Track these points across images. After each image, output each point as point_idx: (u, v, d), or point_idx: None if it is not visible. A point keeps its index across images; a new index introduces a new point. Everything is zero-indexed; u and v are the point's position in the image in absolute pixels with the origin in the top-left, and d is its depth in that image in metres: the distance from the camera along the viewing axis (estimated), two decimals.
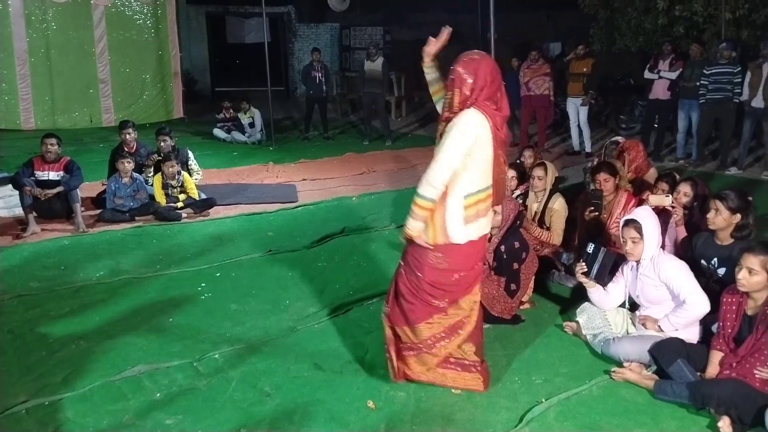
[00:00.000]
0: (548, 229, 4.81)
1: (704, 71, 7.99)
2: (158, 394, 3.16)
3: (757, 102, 7.61)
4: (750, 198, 3.67)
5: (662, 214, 4.12)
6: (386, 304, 3.17)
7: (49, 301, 4.32)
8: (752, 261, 2.97)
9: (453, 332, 3.08)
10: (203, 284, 4.62)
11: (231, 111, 11.14)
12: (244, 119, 10.97)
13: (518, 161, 5.73)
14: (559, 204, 4.85)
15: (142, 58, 12.65)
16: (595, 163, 5.72)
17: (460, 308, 3.05)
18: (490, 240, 4.18)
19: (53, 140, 6.14)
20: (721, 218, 3.58)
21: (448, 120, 2.87)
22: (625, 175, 5.02)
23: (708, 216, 3.64)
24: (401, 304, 3.08)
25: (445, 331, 3.07)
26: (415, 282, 3.01)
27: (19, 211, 6.10)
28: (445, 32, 2.96)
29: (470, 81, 2.77)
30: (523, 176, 5.30)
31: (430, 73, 3.09)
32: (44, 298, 4.37)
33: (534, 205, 5.01)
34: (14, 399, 3.11)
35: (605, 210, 4.59)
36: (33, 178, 6.00)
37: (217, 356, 3.54)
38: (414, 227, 2.88)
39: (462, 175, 2.80)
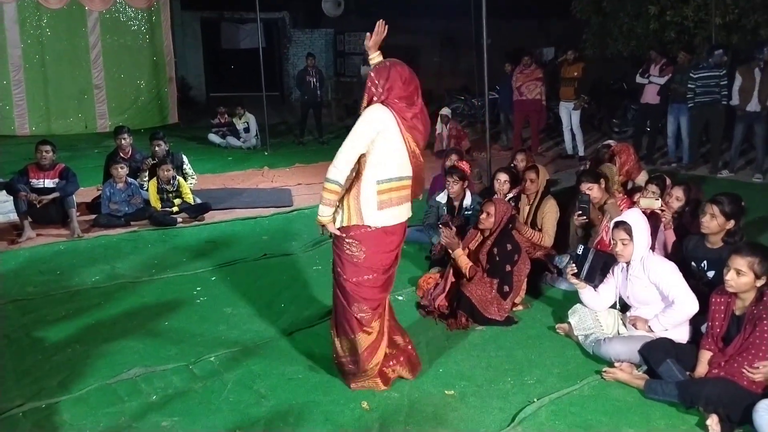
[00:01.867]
0: (540, 231, 4.87)
1: (691, 75, 8.07)
2: (154, 397, 3.19)
3: (753, 106, 7.68)
4: (743, 204, 3.72)
5: (652, 217, 4.17)
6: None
7: (45, 305, 4.34)
8: (739, 262, 3.02)
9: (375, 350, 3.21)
10: (198, 288, 4.64)
11: (226, 116, 11.17)
12: (239, 124, 11.00)
13: (511, 165, 5.78)
14: (550, 206, 4.90)
15: (136, 63, 12.68)
16: (587, 166, 5.78)
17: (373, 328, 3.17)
18: (483, 243, 4.23)
19: (48, 147, 6.15)
20: (715, 223, 3.63)
21: None
22: (617, 179, 5.08)
23: (702, 220, 3.69)
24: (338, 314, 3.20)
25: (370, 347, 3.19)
26: (342, 285, 3.12)
27: (14, 217, 6.11)
28: (381, 26, 3.12)
29: (379, 82, 2.99)
30: (516, 180, 5.36)
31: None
32: (40, 302, 4.39)
33: (526, 208, 5.06)
34: (11, 402, 3.13)
35: (604, 211, 4.58)
36: (28, 186, 6.02)
37: (212, 359, 3.57)
38: (324, 213, 3.01)
39: (371, 161, 2.98)
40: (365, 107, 3.02)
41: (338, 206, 3.05)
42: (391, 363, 3.28)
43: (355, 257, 3.06)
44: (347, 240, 3.06)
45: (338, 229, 3.06)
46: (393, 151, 3.00)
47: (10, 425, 2.96)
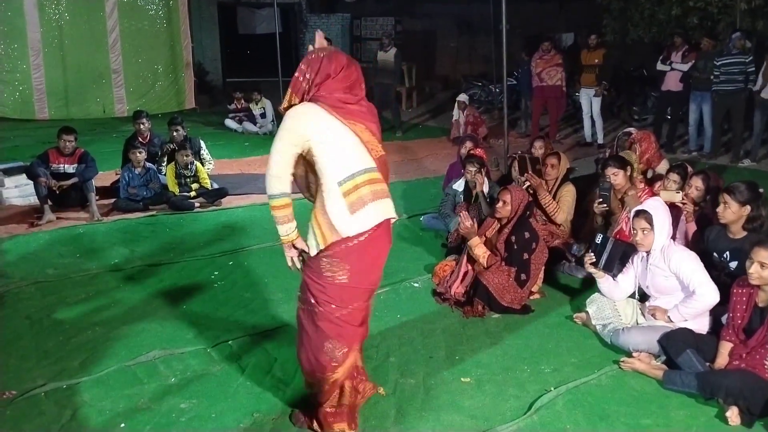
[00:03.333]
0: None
1: (715, 62, 7.92)
2: (173, 379, 3.22)
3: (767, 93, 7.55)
4: (761, 189, 3.66)
5: (673, 208, 4.12)
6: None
7: (65, 287, 4.40)
8: (764, 255, 2.97)
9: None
10: (216, 272, 4.67)
11: (242, 102, 11.19)
12: (256, 110, 11.01)
13: (529, 152, 5.72)
14: (568, 189, 4.89)
15: (154, 48, 12.71)
16: (607, 154, 5.71)
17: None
18: (500, 230, 4.21)
19: (71, 136, 6.20)
20: (730, 211, 3.58)
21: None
22: (637, 167, 5.01)
23: (718, 210, 3.64)
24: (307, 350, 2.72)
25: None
26: (318, 316, 2.65)
27: (34, 200, 6.19)
28: (319, 37, 2.79)
29: (308, 75, 2.60)
30: (524, 167, 5.28)
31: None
32: (60, 284, 4.45)
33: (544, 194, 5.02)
34: (33, 382, 3.18)
35: (625, 200, 4.53)
36: (48, 171, 6.08)
37: (230, 343, 3.60)
38: (285, 231, 2.65)
39: (321, 164, 2.56)
40: (287, 107, 2.63)
41: (309, 230, 2.64)
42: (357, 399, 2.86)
43: (338, 279, 2.60)
44: (324, 259, 2.59)
45: (314, 257, 2.63)
46: (342, 145, 2.57)
47: (33, 404, 3.02)
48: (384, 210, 2.65)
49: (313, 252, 2.63)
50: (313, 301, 2.64)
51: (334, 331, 2.64)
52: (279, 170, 2.58)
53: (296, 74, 2.63)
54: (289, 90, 2.63)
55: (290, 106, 2.63)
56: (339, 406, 2.77)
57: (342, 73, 2.61)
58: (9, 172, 6.60)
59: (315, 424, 2.79)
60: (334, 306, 2.62)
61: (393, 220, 2.74)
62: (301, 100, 2.62)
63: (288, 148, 2.57)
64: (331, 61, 2.61)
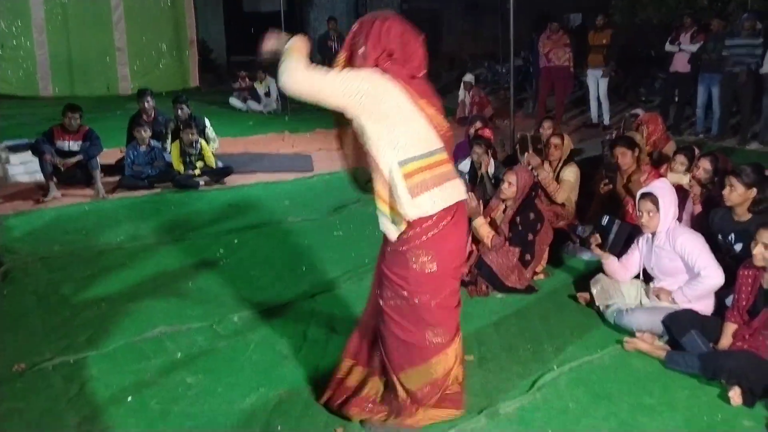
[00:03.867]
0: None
1: (726, 43, 7.83)
2: (179, 354, 3.25)
3: None
4: (767, 172, 3.64)
5: (680, 190, 4.11)
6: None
7: (71, 264, 4.42)
8: None
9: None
10: (221, 250, 4.69)
11: (247, 80, 11.14)
12: (260, 89, 10.97)
13: (538, 132, 5.71)
14: (570, 171, 4.88)
15: (158, 26, 12.64)
16: (613, 135, 5.69)
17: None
18: (505, 211, 4.21)
19: (77, 114, 6.20)
20: (736, 194, 3.56)
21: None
22: (644, 148, 4.99)
23: (724, 192, 3.62)
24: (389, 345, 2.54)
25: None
26: (404, 306, 2.48)
27: (39, 177, 6.20)
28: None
29: (359, 40, 2.38)
30: (525, 147, 5.27)
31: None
32: (67, 261, 4.47)
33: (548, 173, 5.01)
34: (41, 356, 3.22)
35: (631, 182, 4.53)
36: (53, 148, 6.08)
37: (236, 319, 3.62)
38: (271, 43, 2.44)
39: (384, 142, 2.34)
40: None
41: (380, 215, 2.46)
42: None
43: (427, 269, 2.43)
44: (408, 252, 2.42)
45: (394, 245, 2.45)
46: (406, 122, 2.35)
47: (42, 377, 3.05)
48: (452, 193, 2.46)
49: (393, 236, 2.44)
50: (405, 294, 2.45)
51: (434, 319, 2.49)
52: (311, 80, 2.28)
53: (346, 40, 2.43)
54: (342, 54, 2.42)
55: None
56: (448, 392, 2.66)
57: (402, 41, 2.37)
58: (14, 149, 6.61)
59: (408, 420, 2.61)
60: (428, 296, 2.46)
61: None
62: (354, 65, 2.38)
63: (352, 84, 2.28)
64: (387, 25, 2.36)
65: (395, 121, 2.34)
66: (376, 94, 2.31)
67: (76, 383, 3.01)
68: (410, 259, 2.43)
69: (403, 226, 2.41)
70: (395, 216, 2.42)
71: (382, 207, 2.43)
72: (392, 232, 2.44)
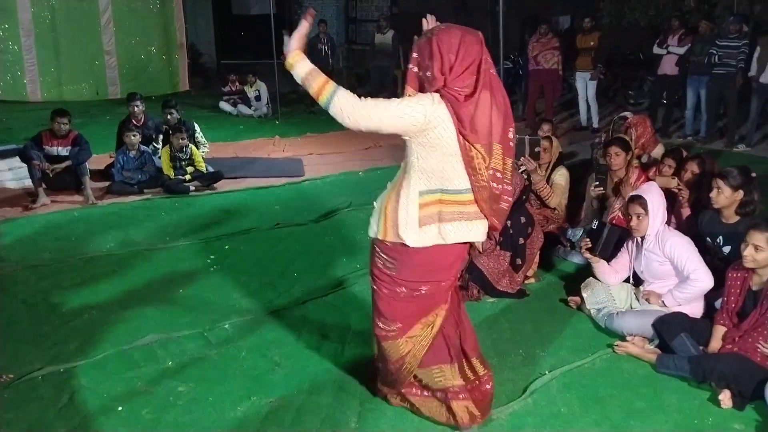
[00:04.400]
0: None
1: (717, 42, 7.89)
2: (170, 363, 3.24)
3: (765, 78, 7.55)
4: (753, 174, 3.68)
5: (669, 193, 4.13)
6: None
7: (61, 271, 4.39)
8: (758, 238, 2.99)
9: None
10: (212, 256, 4.67)
11: (237, 84, 11.10)
12: (250, 92, 10.93)
13: (535, 134, 5.72)
14: (561, 174, 4.90)
15: (147, 29, 12.56)
16: (602, 138, 5.71)
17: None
18: None
19: (65, 119, 6.15)
20: (723, 196, 3.59)
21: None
22: (634, 151, 5.02)
23: (711, 195, 3.65)
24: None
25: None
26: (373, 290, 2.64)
27: (28, 183, 6.15)
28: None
29: (423, 63, 2.34)
30: (522, 149, 5.28)
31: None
32: (56, 268, 4.44)
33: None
34: (30, 366, 3.19)
35: (621, 186, 4.57)
36: (42, 153, 6.03)
37: (227, 326, 3.61)
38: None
39: (417, 165, 2.38)
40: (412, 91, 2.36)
41: (376, 210, 2.55)
42: (461, 396, 2.69)
43: (394, 274, 2.54)
44: (383, 255, 2.53)
45: (373, 240, 2.57)
46: (445, 156, 2.34)
47: (31, 388, 3.03)
48: (461, 232, 2.42)
49: (371, 233, 2.54)
50: (376, 273, 2.59)
51: (384, 309, 2.61)
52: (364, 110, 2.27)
53: (410, 65, 2.38)
54: (407, 87, 2.38)
55: None
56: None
57: (456, 55, 2.28)
58: (2, 155, 6.54)
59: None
60: (386, 288, 2.57)
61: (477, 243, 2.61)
62: (424, 90, 2.35)
63: (406, 116, 2.27)
64: (440, 40, 2.28)
65: (434, 152, 2.34)
66: (427, 128, 2.31)
67: (65, 393, 2.98)
68: (380, 262, 2.55)
69: (380, 237, 2.48)
70: (383, 226, 2.47)
71: (382, 213, 2.48)
72: (371, 231, 2.54)
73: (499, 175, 2.41)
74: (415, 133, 2.34)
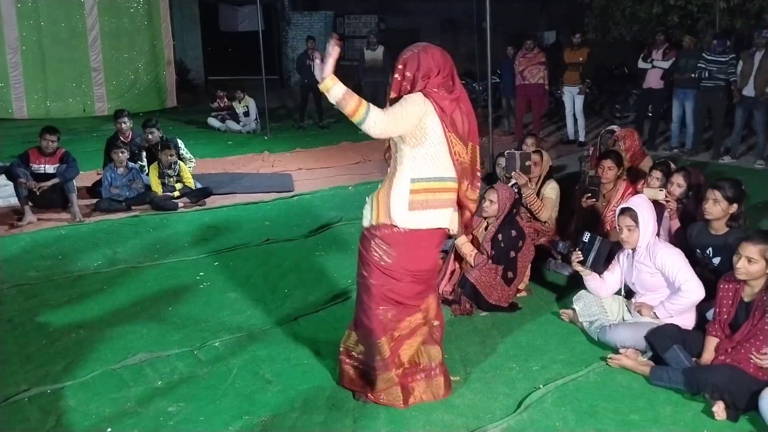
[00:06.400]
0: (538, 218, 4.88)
1: (705, 56, 8.00)
2: (160, 382, 3.18)
3: (749, 91, 7.66)
4: (744, 188, 3.71)
5: (657, 205, 4.16)
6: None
7: (47, 290, 4.33)
8: (751, 250, 3.01)
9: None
10: (201, 273, 4.63)
11: (225, 100, 11.10)
12: (239, 108, 10.93)
13: (520, 149, 5.75)
14: (551, 188, 4.92)
15: (134, 46, 12.56)
16: (591, 151, 5.75)
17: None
18: (487, 228, 4.23)
19: (54, 136, 6.12)
20: (719, 208, 3.62)
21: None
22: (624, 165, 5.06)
23: (705, 206, 3.67)
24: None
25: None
26: (367, 287, 2.85)
27: (14, 201, 6.08)
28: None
29: (409, 73, 2.74)
30: (512, 164, 5.30)
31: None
32: (43, 287, 4.38)
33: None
34: (16, 387, 3.13)
35: (604, 198, 4.64)
36: (29, 171, 5.98)
37: (217, 344, 3.56)
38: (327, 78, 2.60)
39: (410, 154, 2.73)
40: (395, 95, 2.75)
41: (368, 201, 2.85)
42: (414, 378, 2.99)
43: (383, 261, 2.79)
44: (374, 241, 2.79)
45: (366, 229, 2.83)
46: (434, 146, 2.72)
47: (17, 410, 2.96)
48: (441, 219, 2.81)
49: (365, 223, 2.84)
50: (364, 273, 2.85)
51: (384, 297, 2.83)
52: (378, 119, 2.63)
53: (395, 76, 2.76)
54: (390, 94, 2.78)
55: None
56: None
57: (439, 67, 2.73)
58: None
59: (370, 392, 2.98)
60: (381, 284, 2.81)
61: (450, 231, 2.91)
62: (402, 93, 2.76)
63: (408, 117, 2.66)
64: (427, 55, 2.74)
65: (424, 141, 2.72)
66: (419, 118, 2.69)
67: (53, 415, 2.92)
68: (372, 247, 2.80)
69: (374, 223, 2.79)
70: (375, 213, 2.79)
71: (375, 202, 2.80)
72: (366, 220, 2.84)
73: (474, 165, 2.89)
74: (415, 125, 2.69)
